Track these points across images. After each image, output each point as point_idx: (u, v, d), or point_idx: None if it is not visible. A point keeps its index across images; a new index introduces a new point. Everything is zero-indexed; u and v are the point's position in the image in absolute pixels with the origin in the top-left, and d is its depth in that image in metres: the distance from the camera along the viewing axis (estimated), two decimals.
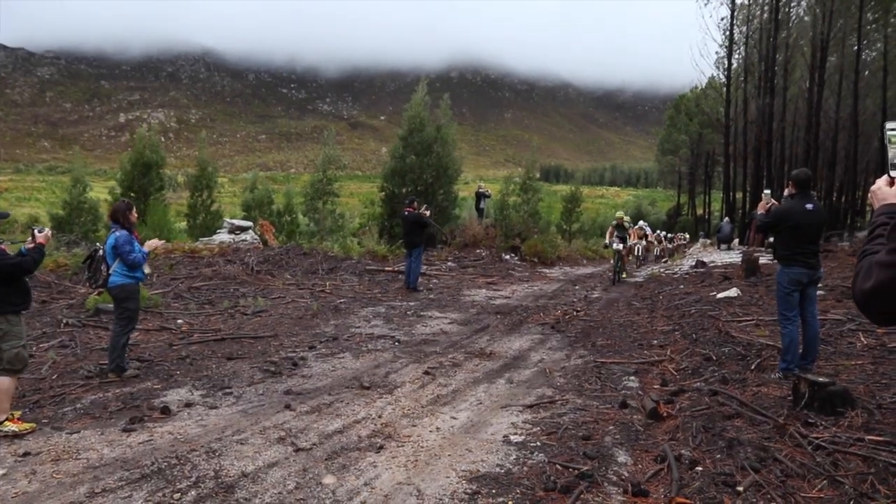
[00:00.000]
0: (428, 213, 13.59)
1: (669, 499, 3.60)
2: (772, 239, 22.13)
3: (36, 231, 5.29)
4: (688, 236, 41.96)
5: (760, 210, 6.72)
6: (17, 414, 5.04)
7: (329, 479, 3.94)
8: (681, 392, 5.58)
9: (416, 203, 13.53)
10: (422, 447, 4.52)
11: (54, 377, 6.36)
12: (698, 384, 5.74)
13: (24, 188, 58.92)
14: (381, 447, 4.51)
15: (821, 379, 4.83)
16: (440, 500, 3.67)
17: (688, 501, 3.56)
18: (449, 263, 17.79)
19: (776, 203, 6.55)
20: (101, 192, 25.51)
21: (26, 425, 4.92)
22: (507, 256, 19.75)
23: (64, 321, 8.67)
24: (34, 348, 7.18)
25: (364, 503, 3.66)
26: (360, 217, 27.93)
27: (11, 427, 4.83)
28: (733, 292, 10.44)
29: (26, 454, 4.43)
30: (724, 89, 32.22)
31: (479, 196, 24.53)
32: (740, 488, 3.65)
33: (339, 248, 17.89)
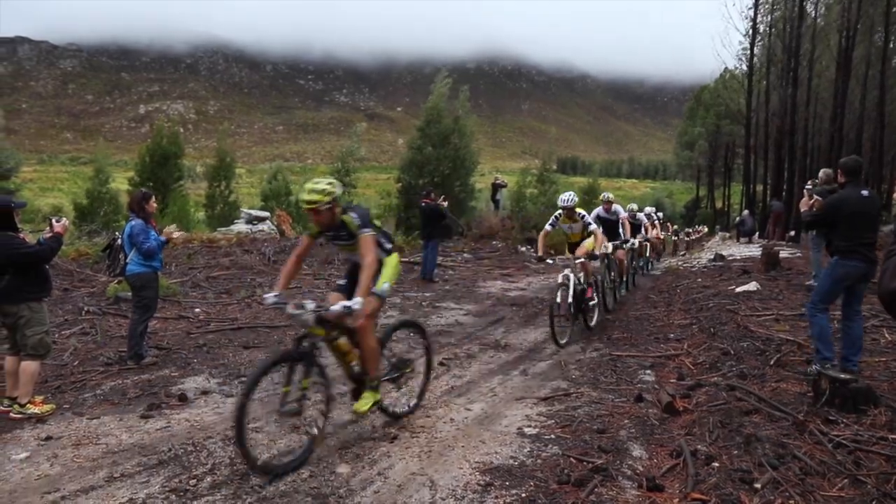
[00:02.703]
0: (445, 204, 13.54)
1: (685, 494, 3.56)
2: (793, 233, 21.89)
3: (54, 221, 5.37)
4: (706, 229, 41.54)
5: (804, 207, 6.34)
6: (40, 398, 5.14)
7: (343, 469, 3.95)
8: (698, 387, 5.51)
9: (433, 194, 13.49)
10: (435, 438, 4.52)
11: (75, 363, 6.45)
12: (716, 379, 5.67)
13: (48, 178, 59.81)
14: (395, 437, 4.51)
15: (843, 375, 4.74)
16: (453, 491, 3.67)
17: (704, 497, 3.51)
18: (465, 255, 17.76)
19: (820, 199, 6.08)
20: (121, 183, 25.78)
21: (47, 407, 5.05)
22: (524, 248, 19.67)
23: (85, 309, 8.78)
24: (56, 335, 7.27)
25: (377, 493, 3.67)
26: (377, 208, 27.97)
27: (34, 409, 4.96)
28: (753, 286, 10.29)
29: (48, 438, 4.50)
30: (747, 80, 31.75)
31: (496, 187, 24.45)
32: (758, 485, 3.59)
33: None
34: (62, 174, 65.46)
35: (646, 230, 14.56)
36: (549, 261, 8.54)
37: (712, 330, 7.64)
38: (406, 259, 15.43)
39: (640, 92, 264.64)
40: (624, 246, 10.85)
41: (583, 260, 8.07)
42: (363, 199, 25.78)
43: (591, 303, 8.30)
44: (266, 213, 20.43)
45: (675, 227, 34.28)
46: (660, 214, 23.23)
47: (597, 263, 8.64)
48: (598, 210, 11.09)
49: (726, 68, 38.44)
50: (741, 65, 34.85)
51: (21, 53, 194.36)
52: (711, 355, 6.54)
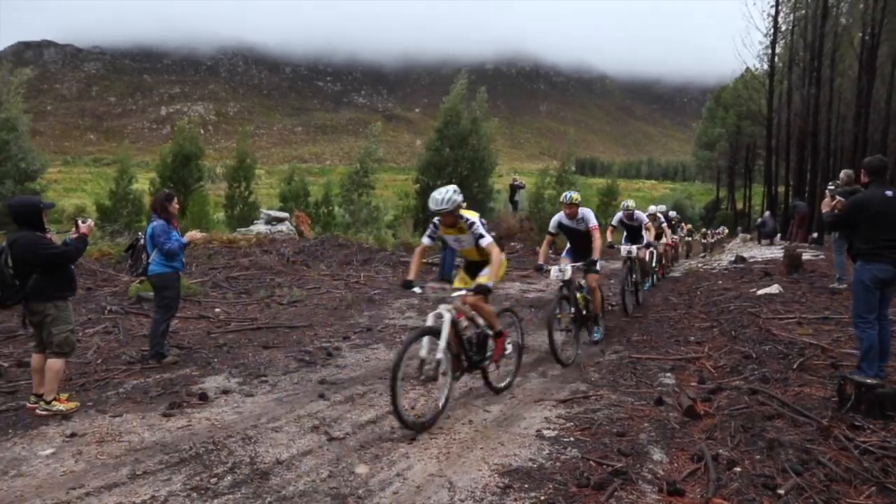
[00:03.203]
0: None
1: (706, 499, 3.52)
2: (815, 235, 21.57)
3: (79, 222, 5.46)
4: (726, 230, 41.01)
5: (825, 209, 6.17)
6: (65, 396, 5.23)
7: (362, 469, 3.96)
8: (719, 390, 5.45)
9: None
10: (454, 439, 4.52)
11: (99, 362, 6.54)
12: (737, 382, 5.60)
13: (72, 179, 60.67)
14: (414, 438, 4.52)
15: (869, 380, 4.66)
16: (472, 492, 3.66)
17: (726, 503, 3.47)
18: None
19: (842, 199, 5.87)
20: (143, 184, 26.11)
21: (72, 404, 5.14)
22: None
23: (108, 308, 8.91)
24: (80, 334, 7.38)
25: (396, 493, 3.67)
26: (395, 209, 28.02)
27: (59, 406, 5.05)
28: (774, 289, 10.16)
29: (73, 435, 4.57)
30: (768, 80, 31.35)
31: (514, 189, 24.40)
32: (781, 491, 3.54)
33: (373, 240, 18.00)
34: (86, 175, 66.38)
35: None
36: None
37: (733, 333, 7.56)
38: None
39: (659, 92, 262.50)
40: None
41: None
42: (381, 200, 25.85)
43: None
44: (285, 214, 20.57)
45: (689, 227, 33.54)
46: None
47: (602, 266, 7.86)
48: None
49: (747, 68, 37.83)
50: (762, 64, 34.41)
51: (47, 57, 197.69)
52: (733, 358, 6.47)
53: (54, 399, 5.08)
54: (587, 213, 7.67)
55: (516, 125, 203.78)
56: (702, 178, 71.26)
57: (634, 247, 10.46)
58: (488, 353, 5.51)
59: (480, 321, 5.46)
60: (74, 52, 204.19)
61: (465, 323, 5.32)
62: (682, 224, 27.58)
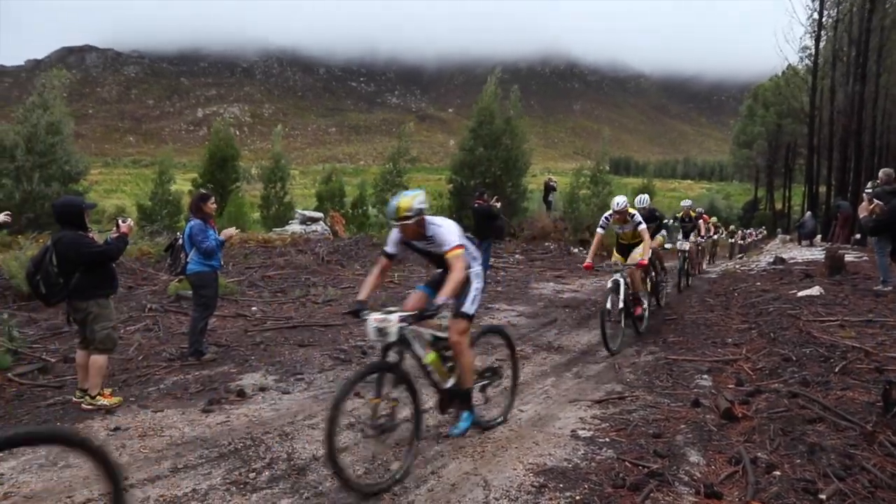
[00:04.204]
0: (498, 204, 13.51)
1: (745, 502, 3.47)
2: (858, 236, 20.94)
3: (120, 221, 5.61)
4: (764, 231, 40.09)
5: (863, 213, 5.99)
6: (108, 391, 5.39)
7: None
8: (757, 393, 5.35)
9: (486, 195, 13.47)
10: (489, 438, 4.52)
11: (140, 358, 6.72)
12: (776, 385, 5.49)
13: (112, 181, 62.22)
14: (448, 437, 4.54)
15: None
16: (507, 491, 3.67)
17: None
18: (517, 256, 17.70)
19: (881, 203, 5.69)
20: (182, 185, 26.63)
21: (115, 399, 5.29)
22: (576, 250, 19.46)
23: (148, 306, 9.13)
24: (122, 331, 7.58)
25: (431, 491, 3.70)
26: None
27: (103, 401, 5.20)
28: (815, 291, 9.91)
29: (116, 429, 4.71)
30: (811, 76, 30.57)
31: (548, 188, 24.25)
32: (823, 496, 3.46)
33: None
34: (125, 176, 68.07)
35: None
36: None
37: (772, 335, 7.40)
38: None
39: (695, 90, 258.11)
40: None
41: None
42: None
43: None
44: (319, 214, 20.80)
45: (732, 227, 32.43)
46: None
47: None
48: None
49: (789, 65, 36.88)
50: (805, 60, 33.56)
51: (89, 61, 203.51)
52: (772, 361, 6.34)
53: (98, 394, 5.23)
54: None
55: (550, 124, 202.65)
56: (739, 177, 69.84)
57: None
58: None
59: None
60: (115, 57, 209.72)
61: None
62: (720, 227, 26.51)
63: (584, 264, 7.93)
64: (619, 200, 8.16)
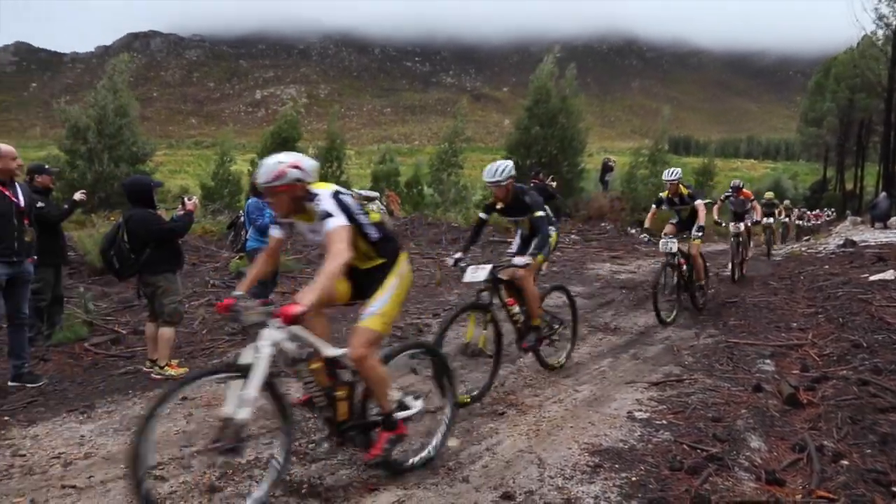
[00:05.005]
0: (554, 184, 13.35)
1: (809, 491, 3.36)
2: None
3: (186, 199, 5.82)
4: (833, 212, 38.32)
5: None
6: (175, 362, 5.64)
7: (452, 442, 4.05)
8: (824, 379, 5.16)
9: (541, 174, 13.32)
10: (544, 417, 4.53)
11: (204, 332, 6.98)
12: (845, 372, 5.28)
13: (176, 162, 64.27)
14: (503, 414, 4.56)
15: None
16: (562, 470, 3.67)
17: (831, 496, 3.29)
18: (572, 236, 17.49)
19: None
20: (242, 165, 27.32)
21: (182, 370, 5.54)
22: (633, 230, 19.08)
23: (210, 282, 9.46)
24: (187, 305, 7.89)
25: (486, 467, 3.73)
26: (483, 188, 27.98)
27: (171, 372, 5.45)
28: (890, 275, 9.44)
29: (184, 398, 4.90)
30: (890, 48, 28.81)
31: (606, 168, 23.85)
32: None
33: (462, 219, 18.07)
34: (188, 157, 70.19)
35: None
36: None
37: (841, 320, 7.11)
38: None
39: (760, 66, 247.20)
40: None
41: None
42: (470, 180, 25.85)
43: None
44: (375, 193, 20.87)
45: (787, 202, 29.14)
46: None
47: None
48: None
49: (865, 35, 34.71)
50: (883, 30, 31.55)
51: (153, 46, 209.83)
52: (840, 347, 6.10)
53: (167, 364, 5.48)
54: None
55: (607, 103, 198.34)
56: (807, 156, 66.68)
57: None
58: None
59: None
60: (177, 41, 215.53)
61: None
62: (782, 209, 24.83)
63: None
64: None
